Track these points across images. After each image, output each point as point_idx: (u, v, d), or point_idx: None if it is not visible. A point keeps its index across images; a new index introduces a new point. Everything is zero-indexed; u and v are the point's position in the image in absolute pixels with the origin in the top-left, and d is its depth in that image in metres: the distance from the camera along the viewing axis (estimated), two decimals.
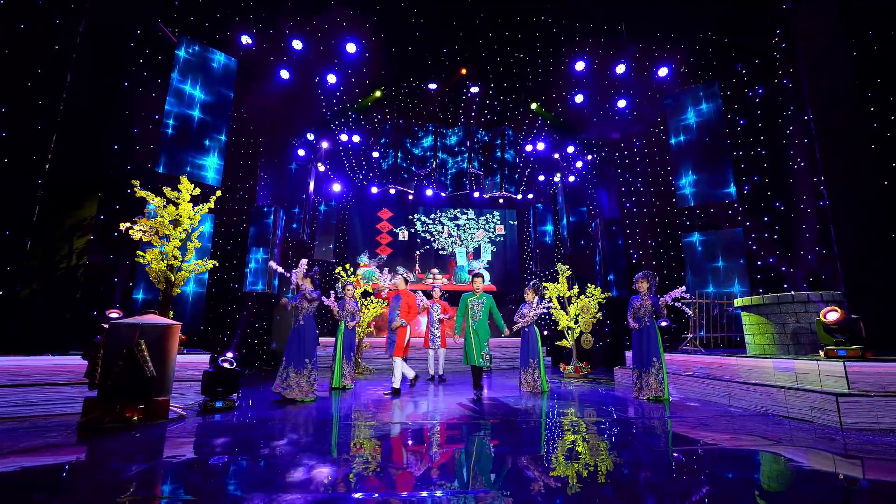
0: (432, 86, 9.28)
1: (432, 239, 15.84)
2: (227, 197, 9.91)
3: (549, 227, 14.62)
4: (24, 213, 4.72)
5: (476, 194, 14.61)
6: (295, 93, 9.59)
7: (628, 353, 7.85)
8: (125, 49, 6.13)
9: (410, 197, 15.67)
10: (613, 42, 8.50)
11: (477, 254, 15.87)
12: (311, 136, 11.33)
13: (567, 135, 11.29)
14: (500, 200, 16.17)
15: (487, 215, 16.30)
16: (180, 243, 5.65)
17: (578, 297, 9.30)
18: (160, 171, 7.34)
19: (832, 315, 4.64)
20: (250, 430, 3.88)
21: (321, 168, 13.12)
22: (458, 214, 16.18)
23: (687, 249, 9.18)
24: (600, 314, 9.45)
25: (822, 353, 4.67)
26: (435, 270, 15.51)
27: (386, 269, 10.75)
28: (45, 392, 4.34)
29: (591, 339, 9.00)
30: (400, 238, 15.74)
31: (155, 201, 5.40)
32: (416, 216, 15.94)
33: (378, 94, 9.51)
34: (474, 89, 9.32)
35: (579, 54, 8.69)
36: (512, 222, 16.36)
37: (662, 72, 9.02)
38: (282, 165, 11.60)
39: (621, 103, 9.85)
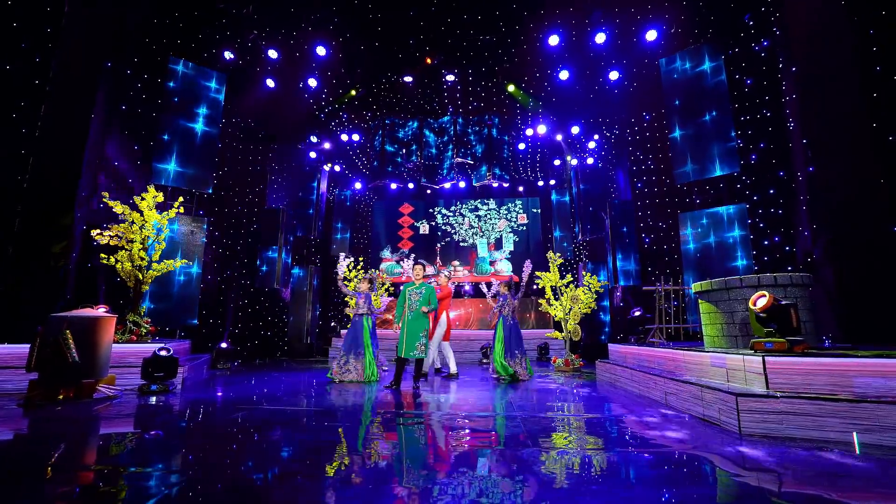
0: (408, 78, 9.26)
1: (453, 231, 15.78)
2: (234, 201, 10.83)
3: (568, 213, 13.88)
4: (7, 225, 5.66)
5: (462, 184, 14.33)
6: (287, 99, 10.16)
7: (611, 346, 7.21)
8: (104, 75, 6.98)
9: (429, 191, 15.74)
10: (584, 11, 7.78)
11: (498, 244, 15.51)
12: (314, 139, 11.92)
13: (567, 116, 10.61)
14: (521, 188, 15.62)
15: (509, 204, 15.82)
16: (144, 245, 6.35)
17: (568, 286, 8.78)
18: (157, 182, 8.25)
19: (761, 301, 3.93)
20: (148, 410, 4.31)
21: (336, 168, 13.71)
22: (479, 205, 15.91)
23: (686, 229, 8.24)
24: (595, 304, 8.82)
25: (750, 346, 4.00)
26: (456, 262, 15.50)
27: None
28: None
29: (580, 330, 8.44)
30: (421, 231, 15.89)
31: (116, 208, 6.13)
32: (436, 209, 15.97)
33: (353, 92, 9.74)
34: (450, 77, 9.11)
35: (550, 28, 8.08)
36: (535, 210, 15.70)
37: (651, 35, 8.11)
38: (291, 168, 12.32)
39: (613, 75, 9.02)
